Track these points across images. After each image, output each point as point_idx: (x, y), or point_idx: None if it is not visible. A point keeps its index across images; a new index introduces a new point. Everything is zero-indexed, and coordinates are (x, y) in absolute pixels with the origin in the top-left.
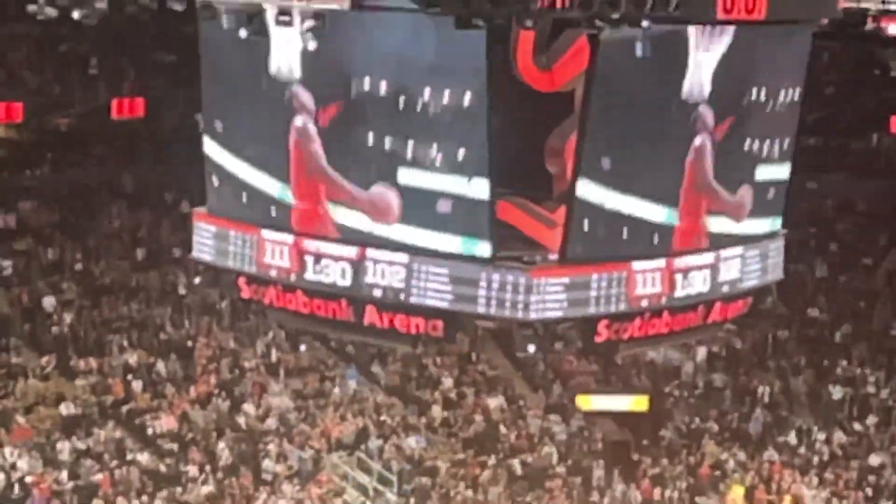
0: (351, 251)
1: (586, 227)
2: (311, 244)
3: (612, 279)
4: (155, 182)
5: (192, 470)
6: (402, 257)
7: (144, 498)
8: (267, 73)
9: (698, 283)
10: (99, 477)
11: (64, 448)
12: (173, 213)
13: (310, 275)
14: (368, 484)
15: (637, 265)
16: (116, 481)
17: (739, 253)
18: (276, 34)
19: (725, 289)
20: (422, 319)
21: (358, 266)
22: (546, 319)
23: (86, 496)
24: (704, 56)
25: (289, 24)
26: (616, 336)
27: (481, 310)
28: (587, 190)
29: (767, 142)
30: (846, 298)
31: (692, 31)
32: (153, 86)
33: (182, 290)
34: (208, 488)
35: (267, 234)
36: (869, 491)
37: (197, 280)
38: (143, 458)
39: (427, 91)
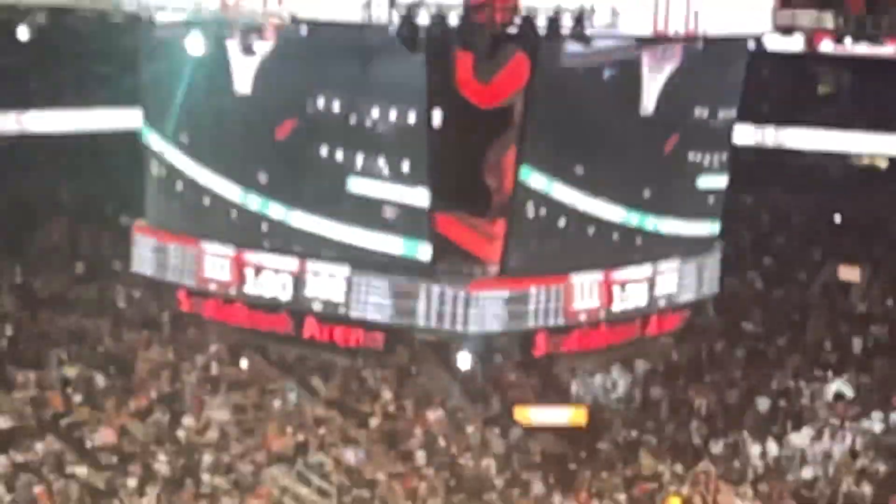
0: (291, 264)
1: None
2: (251, 257)
3: (551, 292)
4: (95, 195)
5: (131, 483)
6: (343, 270)
7: None
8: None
9: (636, 297)
10: (37, 490)
11: (0, 461)
12: (113, 226)
13: (250, 288)
14: (307, 496)
15: (575, 278)
16: (54, 494)
17: (676, 267)
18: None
19: (662, 302)
20: (362, 332)
21: (298, 279)
22: (485, 332)
23: None
24: (653, 76)
25: (251, 52)
26: (554, 349)
27: (421, 323)
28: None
29: (707, 155)
30: (781, 312)
31: (645, 52)
32: (92, 99)
33: (122, 304)
34: (147, 501)
35: (207, 246)
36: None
37: (136, 293)
38: (82, 471)
39: (375, 110)
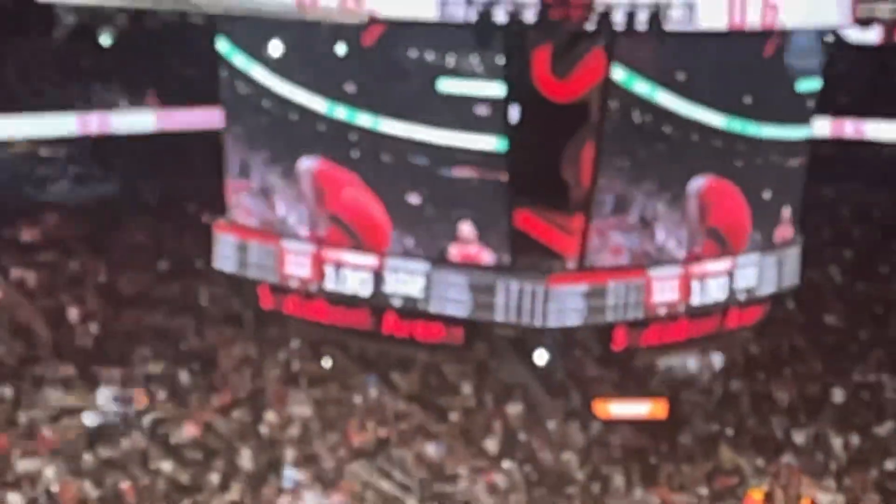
0: (371, 260)
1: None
2: (331, 254)
3: (630, 287)
4: (176, 194)
5: (215, 478)
6: (422, 266)
7: None
8: None
9: (715, 290)
10: (123, 486)
11: (88, 458)
12: (195, 224)
13: (330, 284)
14: (389, 491)
15: (654, 272)
16: (140, 490)
17: (756, 260)
18: None
19: (742, 296)
20: (441, 327)
21: (378, 275)
22: (564, 326)
23: None
24: None
25: None
26: (634, 343)
27: (500, 317)
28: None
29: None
30: (863, 305)
31: None
32: (173, 98)
33: (204, 301)
34: (231, 496)
35: (287, 244)
36: (886, 496)
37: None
38: (167, 466)
39: None
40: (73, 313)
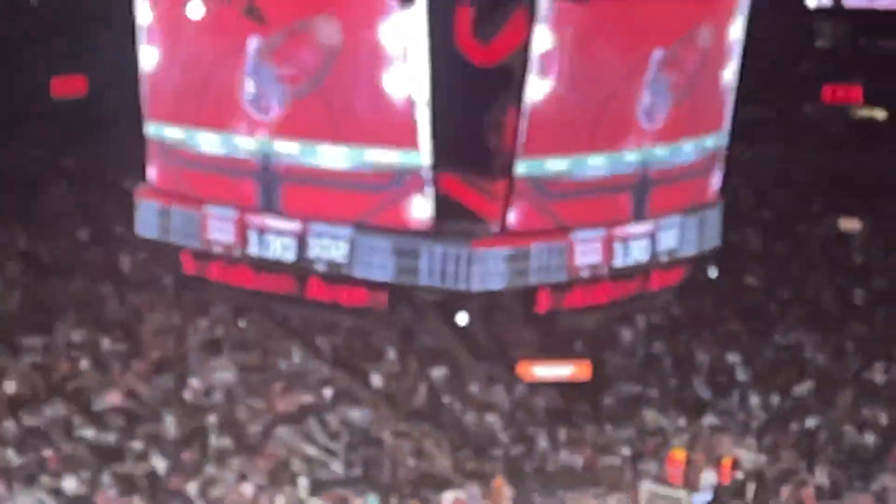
0: (295, 225)
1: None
2: (254, 219)
3: (553, 249)
4: (97, 160)
5: (139, 445)
6: (346, 231)
7: (90, 474)
8: None
9: (637, 252)
10: (46, 454)
11: (10, 426)
12: (116, 190)
13: (254, 249)
14: (315, 457)
15: (576, 235)
16: (64, 458)
17: (677, 222)
18: None
19: (664, 257)
20: (365, 292)
21: (302, 240)
22: (488, 290)
23: (33, 473)
24: None
25: None
26: (557, 305)
27: (424, 282)
28: None
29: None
30: (781, 265)
31: None
32: (93, 64)
33: (125, 268)
34: (156, 463)
35: (211, 209)
36: (804, 453)
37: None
38: (90, 434)
39: None
40: None
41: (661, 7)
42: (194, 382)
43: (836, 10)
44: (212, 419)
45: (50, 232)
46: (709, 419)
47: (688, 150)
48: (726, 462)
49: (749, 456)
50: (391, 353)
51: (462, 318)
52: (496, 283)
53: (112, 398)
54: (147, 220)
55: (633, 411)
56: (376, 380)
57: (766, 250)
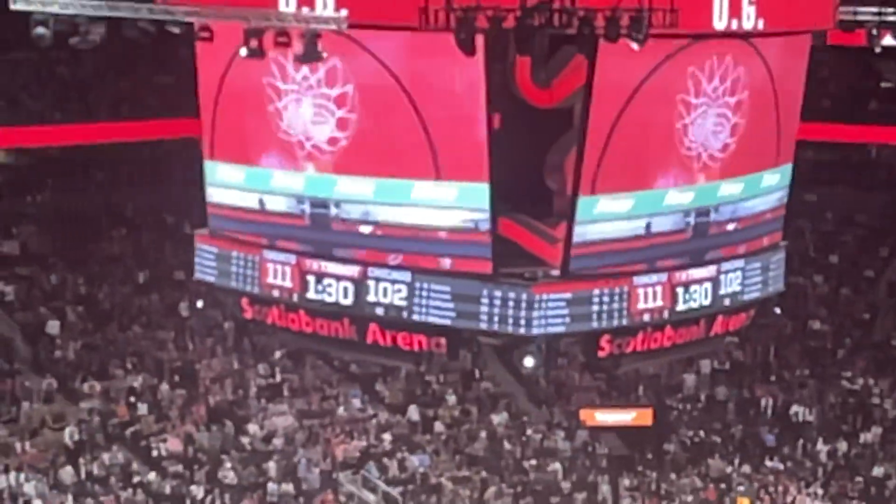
0: (353, 270)
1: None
2: (313, 264)
3: (614, 294)
4: (155, 205)
5: (198, 491)
6: (405, 275)
7: None
8: None
9: (699, 297)
10: (105, 500)
11: (69, 472)
12: (175, 235)
13: (312, 294)
14: (374, 503)
15: (638, 279)
16: None
17: (741, 266)
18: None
19: (727, 301)
20: (424, 337)
21: (360, 285)
22: (548, 335)
23: None
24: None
25: (287, 45)
26: (618, 350)
27: (484, 326)
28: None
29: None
30: (848, 310)
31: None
32: (151, 108)
33: (184, 313)
34: None
35: (269, 254)
36: (871, 502)
37: (199, 302)
38: (149, 480)
39: None
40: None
41: (718, 47)
42: (253, 428)
43: None
44: (271, 465)
45: (109, 277)
46: (773, 465)
47: (750, 191)
48: None
49: None
50: (451, 398)
51: (529, 362)
52: (557, 328)
53: (171, 444)
54: (206, 264)
55: (697, 458)
56: (437, 425)
57: (833, 294)
